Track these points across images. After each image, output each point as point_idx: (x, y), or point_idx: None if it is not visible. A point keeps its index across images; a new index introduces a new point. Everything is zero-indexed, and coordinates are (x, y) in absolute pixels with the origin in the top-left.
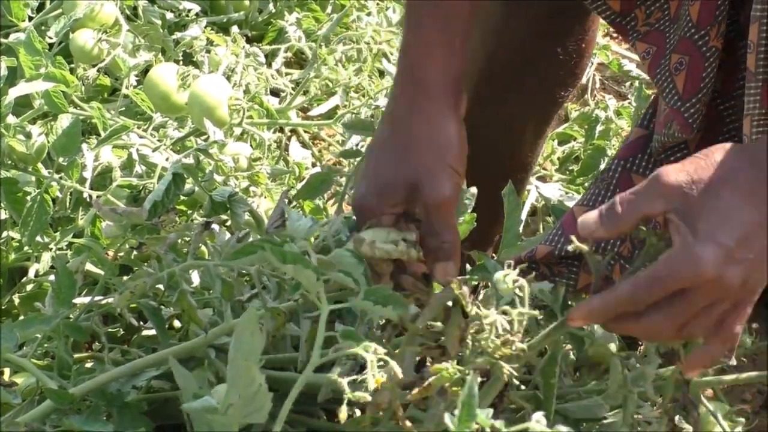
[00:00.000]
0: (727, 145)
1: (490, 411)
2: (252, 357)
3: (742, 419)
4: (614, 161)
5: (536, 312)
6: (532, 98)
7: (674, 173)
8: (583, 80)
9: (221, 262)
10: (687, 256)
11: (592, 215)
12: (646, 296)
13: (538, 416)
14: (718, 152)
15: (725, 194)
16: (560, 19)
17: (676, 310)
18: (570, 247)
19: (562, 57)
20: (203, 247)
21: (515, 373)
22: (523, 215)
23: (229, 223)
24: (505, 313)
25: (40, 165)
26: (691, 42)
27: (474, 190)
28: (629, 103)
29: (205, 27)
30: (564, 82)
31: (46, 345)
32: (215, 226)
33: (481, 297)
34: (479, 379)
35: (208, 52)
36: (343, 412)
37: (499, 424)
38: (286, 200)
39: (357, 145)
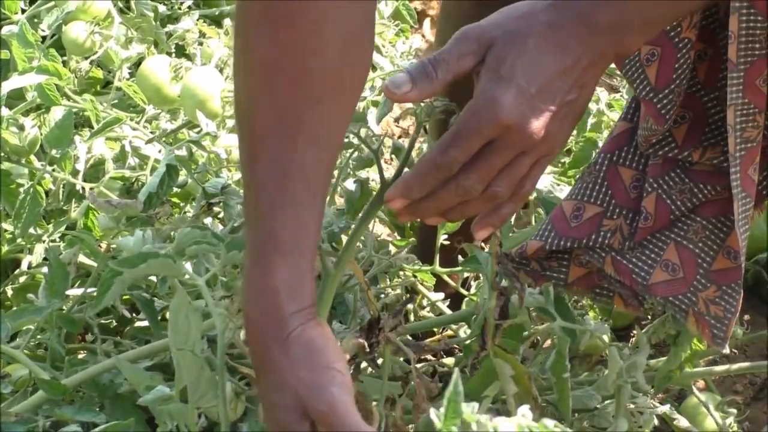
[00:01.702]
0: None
1: (476, 405)
2: (190, 339)
3: (734, 410)
4: (600, 154)
5: None
6: None
7: (480, 24)
8: None
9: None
10: (486, 100)
11: (403, 77)
12: (455, 152)
13: (524, 410)
14: (526, 2)
15: (530, 42)
16: None
17: (483, 163)
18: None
19: None
20: None
21: None
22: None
23: (222, 215)
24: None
25: (33, 157)
26: (663, 33)
27: None
28: (621, 95)
29: (198, 19)
30: None
31: (39, 336)
32: (208, 219)
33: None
34: None
35: (201, 44)
36: None
37: (485, 419)
38: None
39: (348, 137)
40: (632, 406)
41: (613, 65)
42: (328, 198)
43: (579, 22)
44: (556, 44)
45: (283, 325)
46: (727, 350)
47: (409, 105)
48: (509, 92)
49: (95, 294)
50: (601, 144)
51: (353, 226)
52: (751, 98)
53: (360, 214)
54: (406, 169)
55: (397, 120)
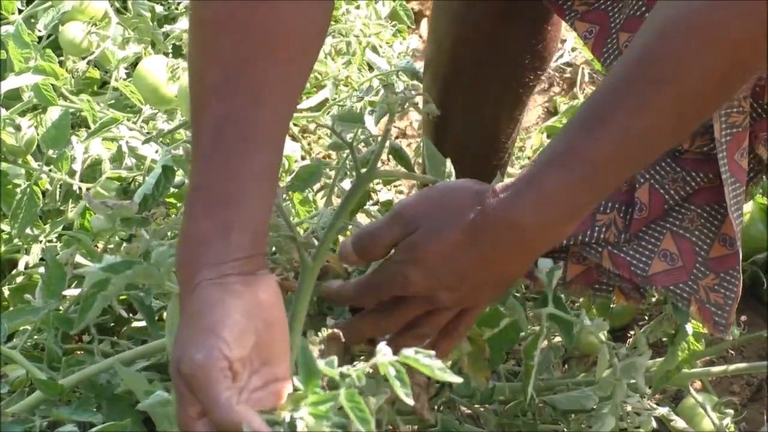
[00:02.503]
0: (474, 187)
1: (335, 359)
2: None
3: (731, 411)
4: None
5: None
6: (501, 83)
7: (413, 208)
8: (572, 74)
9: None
10: (397, 273)
11: (348, 246)
12: (367, 300)
13: (383, 347)
14: (462, 193)
15: (449, 235)
16: (523, 2)
17: (397, 311)
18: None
19: (528, 40)
20: None
21: None
22: None
23: None
24: None
25: (29, 157)
26: (642, 21)
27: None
28: None
29: None
30: (532, 65)
31: (36, 337)
32: None
33: None
34: None
35: None
36: None
37: (347, 369)
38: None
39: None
40: (629, 407)
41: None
42: (281, 180)
43: (503, 227)
44: (471, 245)
45: (193, 276)
46: (729, 337)
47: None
48: (417, 272)
49: (77, 312)
50: None
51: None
52: None
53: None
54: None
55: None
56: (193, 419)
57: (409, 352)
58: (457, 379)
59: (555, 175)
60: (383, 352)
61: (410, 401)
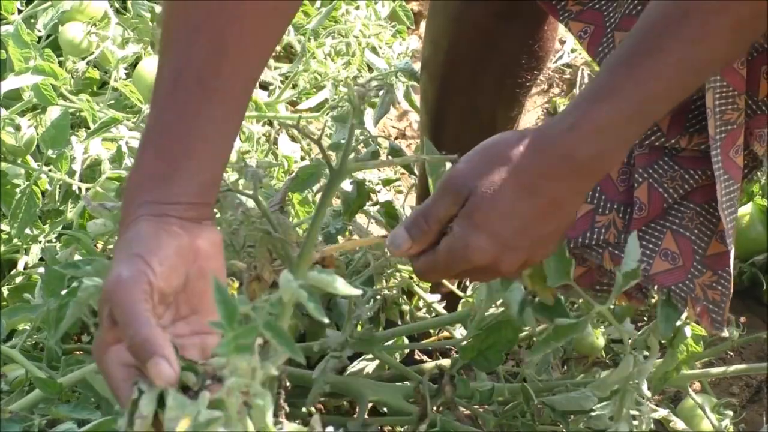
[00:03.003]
0: (516, 135)
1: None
2: None
3: (730, 412)
4: None
5: None
6: (497, 83)
7: (461, 173)
8: (571, 75)
9: None
10: (461, 245)
11: (402, 234)
12: (432, 278)
13: (285, 275)
14: (505, 143)
15: (506, 188)
16: (519, 1)
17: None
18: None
19: (524, 40)
20: None
21: None
22: None
23: (218, 215)
24: None
25: (29, 157)
26: (637, 19)
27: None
28: None
29: None
30: (529, 65)
31: (35, 336)
32: None
33: None
34: None
35: None
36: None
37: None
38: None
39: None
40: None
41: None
42: (279, 180)
43: (559, 161)
44: (531, 192)
45: (133, 211)
46: (726, 333)
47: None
48: (481, 238)
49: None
50: None
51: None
52: (729, 80)
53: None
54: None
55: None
56: (107, 345)
57: (312, 273)
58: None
59: (608, 107)
60: (288, 278)
61: (325, 319)
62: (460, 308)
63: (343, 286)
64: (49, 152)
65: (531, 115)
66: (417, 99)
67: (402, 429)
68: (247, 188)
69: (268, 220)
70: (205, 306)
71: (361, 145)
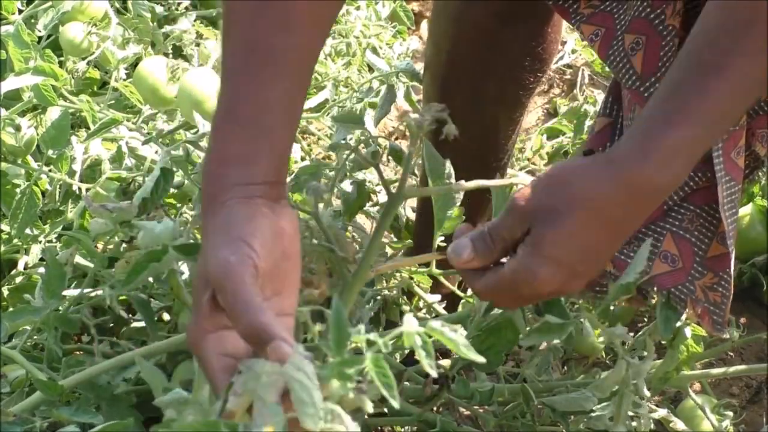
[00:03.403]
0: (582, 162)
1: (361, 327)
2: None
3: (730, 413)
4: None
5: None
6: (500, 85)
7: (528, 199)
8: (572, 75)
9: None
10: (526, 274)
11: (466, 245)
12: (494, 300)
13: (408, 318)
14: (573, 172)
15: (574, 218)
16: (522, 3)
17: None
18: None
19: (528, 41)
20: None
21: None
22: None
23: None
24: None
25: (29, 158)
26: (647, 21)
27: (463, 183)
28: None
29: (195, 20)
30: (532, 67)
31: (35, 337)
32: None
33: None
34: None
35: (198, 45)
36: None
37: (374, 336)
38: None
39: (346, 138)
40: (630, 413)
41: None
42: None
43: (633, 191)
44: (601, 221)
45: (222, 193)
46: (726, 335)
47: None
48: (548, 268)
49: (125, 275)
50: None
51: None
52: None
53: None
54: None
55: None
56: (205, 332)
57: (436, 324)
58: (480, 359)
59: (679, 132)
60: (409, 322)
61: (434, 373)
62: (460, 309)
63: (465, 349)
64: (50, 152)
65: (532, 116)
66: (418, 99)
67: (402, 429)
68: (308, 204)
69: (327, 236)
70: (288, 288)
71: (362, 145)
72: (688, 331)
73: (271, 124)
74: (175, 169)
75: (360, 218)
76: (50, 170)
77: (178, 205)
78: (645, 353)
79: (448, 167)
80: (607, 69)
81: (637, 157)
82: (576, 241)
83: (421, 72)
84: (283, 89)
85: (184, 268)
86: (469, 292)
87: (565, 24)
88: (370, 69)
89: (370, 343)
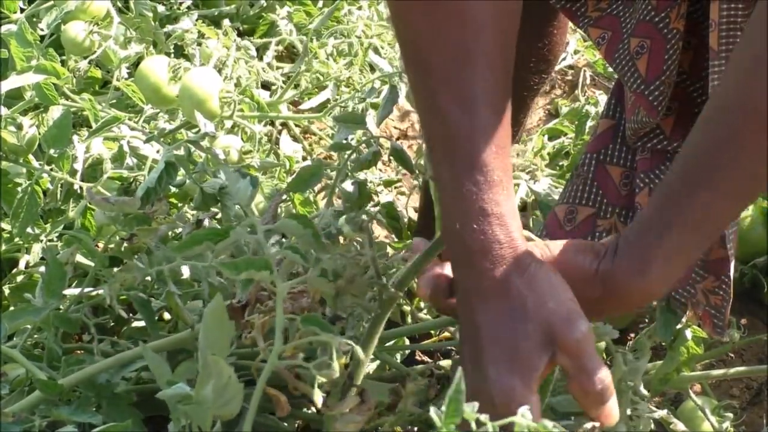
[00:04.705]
0: (590, 251)
1: (476, 404)
2: (220, 348)
3: (731, 414)
4: (586, 155)
5: None
6: None
7: (543, 312)
8: (573, 76)
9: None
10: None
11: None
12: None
13: (524, 410)
14: (572, 276)
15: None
16: (527, 4)
17: None
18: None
19: (533, 43)
20: None
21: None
22: None
23: (219, 216)
24: None
25: (31, 156)
26: (652, 25)
27: None
28: None
29: (197, 20)
30: (537, 69)
31: (35, 336)
32: (206, 221)
33: None
34: None
35: (200, 44)
36: (317, 396)
37: (484, 418)
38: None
39: (347, 138)
40: (629, 411)
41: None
42: (282, 181)
43: (632, 301)
44: (594, 315)
45: (520, 256)
46: (727, 337)
47: (410, 107)
48: None
49: (184, 240)
50: None
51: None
52: None
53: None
54: None
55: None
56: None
57: (548, 424)
58: None
59: (673, 241)
60: (523, 414)
61: None
62: None
63: None
64: (51, 151)
65: (533, 117)
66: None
67: (402, 429)
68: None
69: (377, 271)
70: None
71: (363, 145)
72: (688, 333)
73: (509, 170)
74: (177, 166)
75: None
76: (52, 169)
77: (179, 204)
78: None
79: None
80: (609, 70)
81: (637, 275)
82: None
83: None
84: (505, 133)
85: (184, 269)
86: None
87: (569, 27)
88: (372, 69)
89: (480, 424)
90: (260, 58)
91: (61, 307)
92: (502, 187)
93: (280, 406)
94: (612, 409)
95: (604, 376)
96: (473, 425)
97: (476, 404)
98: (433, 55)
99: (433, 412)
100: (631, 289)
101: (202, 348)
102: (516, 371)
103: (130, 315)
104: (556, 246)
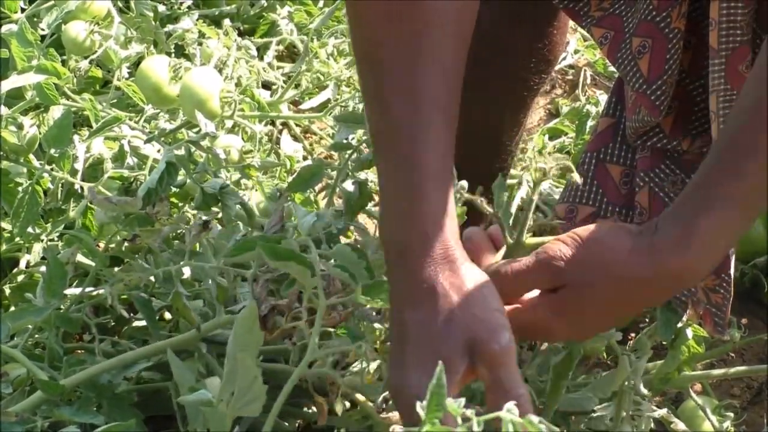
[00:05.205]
0: (623, 236)
1: (462, 400)
2: (249, 352)
3: (731, 414)
4: (586, 154)
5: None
6: (505, 86)
7: (562, 258)
8: (574, 76)
9: (217, 265)
10: (542, 327)
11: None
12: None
13: (510, 405)
14: (612, 246)
15: (603, 291)
16: (528, 4)
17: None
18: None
19: (533, 43)
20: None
21: None
22: (513, 208)
23: (220, 215)
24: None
25: (31, 156)
26: (653, 24)
27: (465, 183)
28: None
29: (197, 19)
30: (537, 69)
31: (37, 336)
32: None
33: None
34: None
35: (200, 44)
36: (339, 405)
37: (470, 412)
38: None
39: (348, 138)
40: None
41: (610, 69)
42: (282, 181)
43: (668, 276)
44: (628, 299)
45: (451, 258)
46: (728, 336)
47: None
48: (565, 330)
49: (235, 248)
50: None
51: None
52: (734, 85)
53: None
54: None
55: None
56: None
57: (534, 419)
58: None
59: (715, 217)
60: (509, 409)
61: None
62: None
63: None
64: (52, 151)
65: (533, 116)
66: None
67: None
68: None
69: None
70: None
71: (364, 145)
72: (689, 332)
73: (450, 170)
74: (178, 166)
75: (361, 218)
76: (52, 169)
77: (180, 204)
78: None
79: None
80: (609, 69)
81: (678, 247)
82: (602, 313)
83: None
84: (451, 135)
85: (185, 269)
86: None
87: (569, 27)
88: None
89: (465, 420)
90: (261, 58)
91: (62, 306)
92: (439, 187)
93: (323, 414)
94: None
95: (521, 393)
96: (459, 420)
97: (462, 400)
98: (384, 50)
99: (417, 406)
100: (670, 266)
101: (231, 350)
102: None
103: (131, 315)
104: (585, 231)
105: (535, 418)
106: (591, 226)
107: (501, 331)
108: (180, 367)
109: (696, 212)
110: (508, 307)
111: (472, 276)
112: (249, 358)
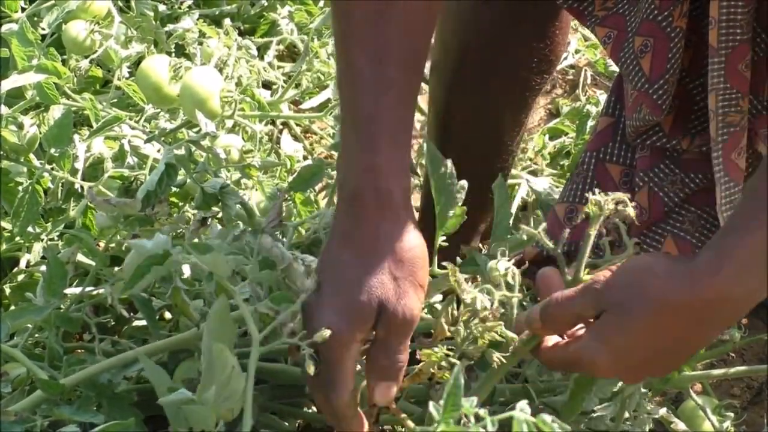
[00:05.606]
0: (665, 264)
1: (474, 400)
2: (226, 343)
3: (731, 414)
4: (586, 153)
5: (519, 295)
6: (507, 86)
7: (606, 285)
8: (574, 76)
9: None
10: (587, 357)
11: (536, 313)
12: (558, 367)
13: (523, 404)
14: (654, 272)
15: (643, 320)
16: (530, 4)
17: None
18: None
19: (535, 43)
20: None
21: (504, 361)
22: (513, 208)
23: (220, 215)
24: (489, 293)
25: (32, 156)
26: (655, 24)
27: (465, 183)
28: None
29: (198, 19)
30: (539, 69)
31: (37, 335)
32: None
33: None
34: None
35: (201, 44)
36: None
37: (483, 412)
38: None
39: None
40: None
41: (611, 69)
42: (283, 181)
43: (706, 305)
44: (669, 325)
45: (396, 214)
46: (727, 336)
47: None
48: (608, 361)
49: (126, 278)
50: None
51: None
52: (733, 83)
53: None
54: None
55: None
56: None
57: (547, 418)
58: None
59: (752, 240)
60: (522, 408)
61: None
62: (462, 308)
63: None
64: (52, 150)
65: (534, 116)
66: (421, 100)
67: (402, 429)
68: None
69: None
70: None
71: None
72: None
73: (408, 129)
74: (177, 166)
75: None
76: (52, 168)
77: (180, 203)
78: None
79: (449, 167)
80: (610, 69)
81: (710, 270)
82: (642, 341)
83: (428, 73)
84: (413, 97)
85: (185, 269)
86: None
87: (571, 27)
88: None
89: (478, 419)
90: (261, 58)
91: (62, 306)
92: (396, 143)
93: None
94: (387, 389)
95: (402, 359)
96: (472, 419)
97: (474, 399)
98: (355, 7)
99: (431, 406)
100: (704, 290)
101: (206, 345)
102: (344, 316)
103: (131, 314)
104: (630, 259)
105: (548, 417)
106: (637, 257)
107: (409, 298)
108: (153, 368)
109: (732, 235)
110: (554, 339)
111: (411, 240)
112: (224, 348)
